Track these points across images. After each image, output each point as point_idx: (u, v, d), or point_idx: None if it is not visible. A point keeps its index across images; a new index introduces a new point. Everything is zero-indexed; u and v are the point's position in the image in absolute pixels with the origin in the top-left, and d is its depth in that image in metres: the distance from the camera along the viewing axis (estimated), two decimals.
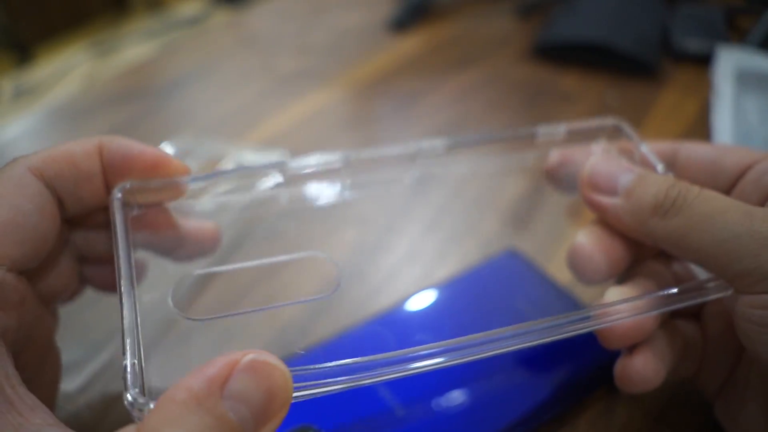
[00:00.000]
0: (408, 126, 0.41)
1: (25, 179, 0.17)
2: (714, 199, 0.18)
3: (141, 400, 0.14)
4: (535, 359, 0.24)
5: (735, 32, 0.53)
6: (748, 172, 0.20)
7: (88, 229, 0.21)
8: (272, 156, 0.36)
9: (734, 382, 0.20)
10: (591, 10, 0.51)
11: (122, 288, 0.17)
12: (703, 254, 0.18)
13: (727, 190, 0.21)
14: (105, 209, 0.19)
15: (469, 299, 0.27)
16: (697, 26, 0.49)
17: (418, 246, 0.32)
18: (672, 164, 0.22)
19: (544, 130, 0.24)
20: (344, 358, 0.24)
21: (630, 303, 0.19)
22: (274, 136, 0.41)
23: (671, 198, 0.18)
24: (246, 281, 0.30)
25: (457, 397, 0.23)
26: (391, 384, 0.23)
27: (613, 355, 0.24)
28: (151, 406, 0.14)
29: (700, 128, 0.40)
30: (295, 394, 0.15)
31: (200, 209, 0.33)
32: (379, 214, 0.34)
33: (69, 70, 0.65)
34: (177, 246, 0.21)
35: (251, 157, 0.36)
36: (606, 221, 0.21)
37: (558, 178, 0.23)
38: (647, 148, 0.22)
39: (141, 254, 0.21)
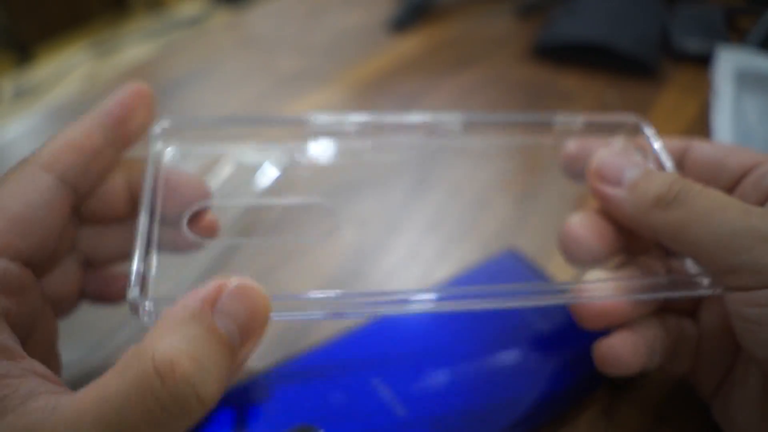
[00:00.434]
0: (408, 126, 0.41)
1: (35, 175, 0.18)
2: (715, 196, 0.19)
3: (143, 300, 0.17)
4: (535, 360, 0.24)
5: (735, 32, 0.53)
6: (749, 173, 0.21)
7: (96, 225, 0.22)
8: (273, 155, 0.36)
9: (732, 382, 0.21)
10: (591, 11, 0.51)
11: (143, 208, 0.19)
12: (700, 247, 0.18)
13: (729, 190, 0.21)
14: (115, 192, 0.21)
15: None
16: (697, 26, 0.49)
17: (418, 246, 0.32)
18: (681, 161, 0.23)
19: (561, 119, 0.24)
20: (344, 360, 0.24)
21: (609, 283, 0.20)
22: (273, 136, 0.41)
23: (674, 192, 0.19)
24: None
25: (457, 397, 0.23)
26: (392, 384, 0.23)
27: None
28: (147, 303, 0.17)
29: (700, 129, 0.40)
30: (274, 316, 0.17)
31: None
32: (379, 214, 0.34)
33: (69, 70, 0.65)
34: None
35: (251, 156, 0.36)
36: (607, 211, 0.22)
37: (572, 167, 0.24)
38: (661, 147, 0.23)
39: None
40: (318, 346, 0.25)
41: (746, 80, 0.42)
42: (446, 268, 0.30)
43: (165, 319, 0.15)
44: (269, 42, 0.54)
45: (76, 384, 0.15)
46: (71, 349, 0.25)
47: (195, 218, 0.22)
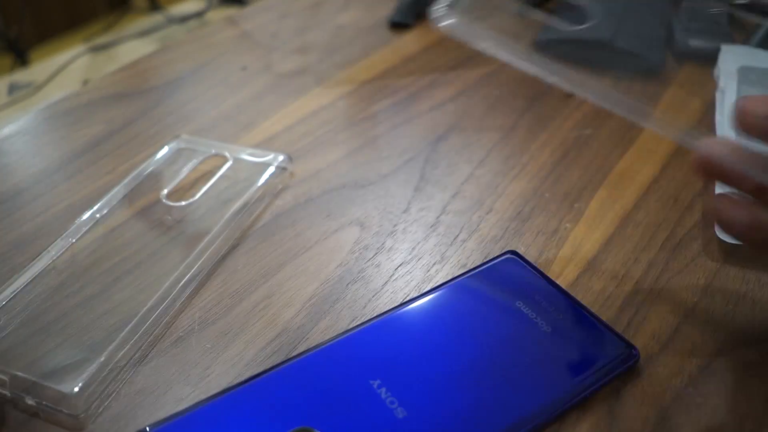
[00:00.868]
0: (408, 124, 0.41)
1: None
2: None
3: None
4: (536, 360, 0.24)
5: (739, 31, 0.52)
6: None
7: None
8: (269, 158, 0.36)
9: None
10: (594, 8, 0.51)
11: None
12: None
13: None
14: None
15: (470, 302, 0.27)
16: (702, 25, 0.49)
17: (418, 248, 0.31)
18: None
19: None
20: (344, 362, 0.24)
21: None
22: (273, 135, 0.40)
23: None
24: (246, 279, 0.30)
25: (457, 398, 0.23)
26: (391, 386, 0.23)
27: (610, 359, 0.24)
28: None
29: (705, 127, 0.40)
30: None
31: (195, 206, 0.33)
32: (379, 215, 0.34)
33: (66, 67, 0.65)
34: None
35: (249, 157, 0.36)
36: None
37: (749, 124, 0.23)
38: None
39: None
40: (317, 348, 0.25)
41: (749, 77, 0.41)
42: (446, 271, 0.30)
43: None
44: (268, 40, 0.53)
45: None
46: (71, 350, 0.25)
47: None
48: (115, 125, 0.42)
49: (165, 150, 0.37)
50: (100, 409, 0.24)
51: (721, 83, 0.41)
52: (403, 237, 0.32)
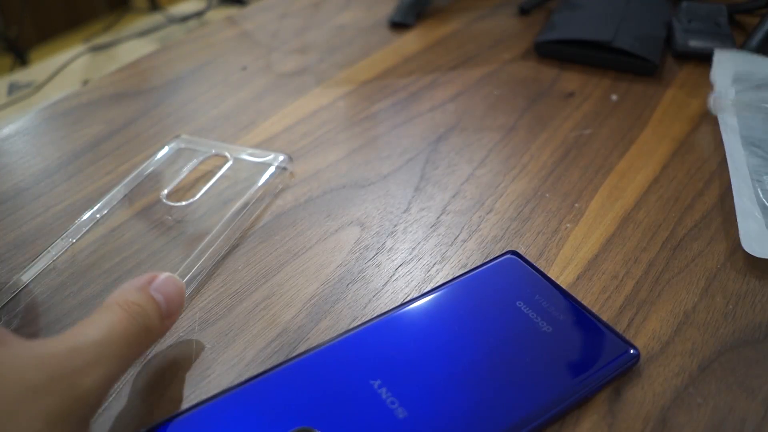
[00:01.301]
0: (408, 124, 0.41)
1: None
2: None
3: None
4: (537, 361, 0.24)
5: (739, 31, 0.52)
6: None
7: None
8: (269, 158, 0.36)
9: None
10: (593, 8, 0.51)
11: None
12: None
13: None
14: None
15: (470, 302, 0.27)
16: (701, 25, 0.49)
17: (418, 248, 0.31)
18: None
19: None
20: (344, 362, 0.24)
21: None
22: (273, 135, 0.40)
23: None
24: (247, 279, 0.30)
25: (457, 399, 0.23)
26: (392, 386, 0.23)
27: (610, 359, 0.24)
28: None
29: (706, 126, 0.40)
30: None
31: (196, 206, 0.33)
32: (379, 215, 0.34)
33: (66, 67, 0.65)
34: None
35: (250, 157, 0.36)
36: None
37: None
38: None
39: None
40: (318, 348, 0.25)
41: (743, 82, 0.41)
42: (447, 271, 0.30)
43: (121, 289, 0.23)
44: (268, 40, 0.53)
45: None
46: None
47: None
48: (115, 125, 0.42)
49: (165, 150, 0.37)
50: (101, 410, 0.24)
51: (717, 87, 0.41)
52: (403, 237, 0.32)
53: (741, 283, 0.29)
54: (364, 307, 0.28)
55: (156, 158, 0.36)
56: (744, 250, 0.30)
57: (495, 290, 0.27)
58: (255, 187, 0.34)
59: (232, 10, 0.73)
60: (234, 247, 0.31)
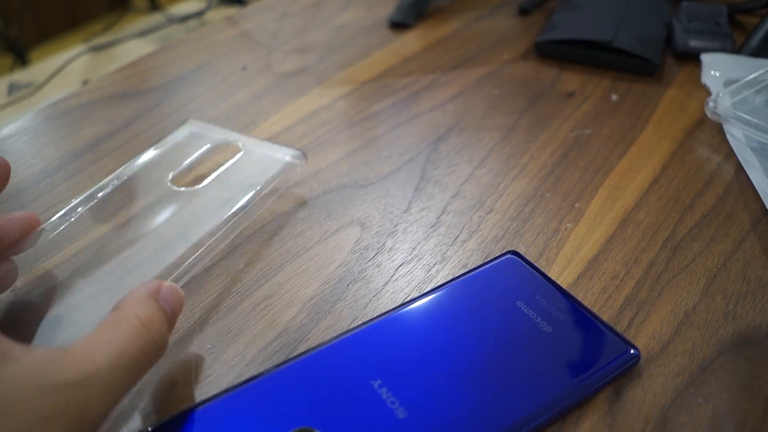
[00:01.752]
0: (408, 124, 0.41)
1: None
2: None
3: None
4: (537, 361, 0.24)
5: (739, 31, 0.53)
6: None
7: None
8: (282, 152, 0.34)
9: None
10: (593, 8, 0.51)
11: None
12: None
13: None
14: None
15: (470, 302, 0.27)
16: (701, 25, 0.49)
17: (419, 248, 0.31)
18: None
19: None
20: (345, 362, 0.24)
21: None
22: (273, 135, 0.40)
23: None
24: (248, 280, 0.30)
25: (457, 398, 0.23)
26: (392, 386, 0.23)
27: (610, 358, 0.24)
28: None
29: (706, 126, 0.40)
30: None
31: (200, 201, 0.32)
32: (379, 215, 0.34)
33: (66, 67, 0.65)
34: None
35: (262, 150, 0.35)
36: None
37: None
38: None
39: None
40: (318, 348, 0.25)
41: (742, 92, 0.41)
42: (447, 271, 0.30)
43: (131, 297, 0.22)
44: (268, 40, 0.53)
45: None
46: None
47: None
48: (115, 125, 0.42)
49: (181, 130, 0.36)
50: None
51: (711, 89, 0.41)
52: (403, 237, 0.32)
53: (741, 283, 0.29)
54: (365, 307, 0.28)
55: (167, 140, 0.35)
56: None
57: (495, 290, 0.27)
58: (266, 178, 0.32)
59: (232, 10, 0.73)
60: (234, 247, 0.31)
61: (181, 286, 0.28)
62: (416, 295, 0.28)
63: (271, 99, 0.44)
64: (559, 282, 0.28)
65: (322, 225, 0.33)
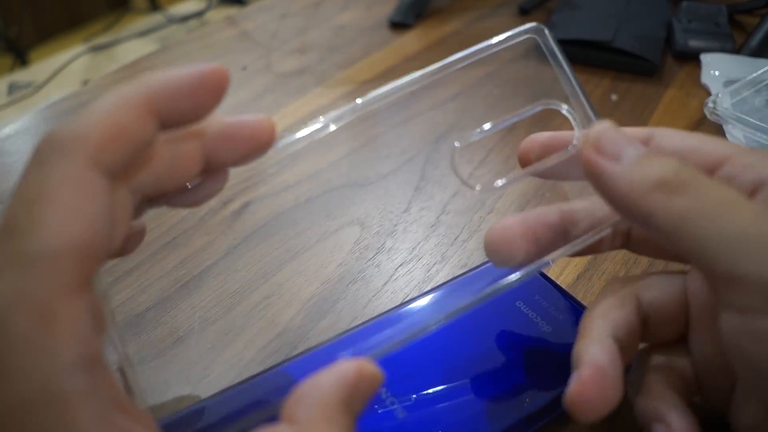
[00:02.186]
0: (408, 123, 0.41)
1: (87, 179, 0.14)
2: (728, 192, 0.17)
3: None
4: (536, 361, 0.24)
5: (739, 31, 0.52)
6: (723, 165, 0.19)
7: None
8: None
9: (737, 400, 0.20)
10: (593, 8, 0.51)
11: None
12: (701, 245, 0.16)
13: None
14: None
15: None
16: (701, 25, 0.49)
17: (418, 248, 0.31)
18: None
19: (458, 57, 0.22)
20: (344, 361, 0.24)
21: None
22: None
23: (681, 177, 0.17)
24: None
25: (457, 399, 0.23)
26: (392, 386, 0.23)
27: None
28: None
29: (706, 126, 0.40)
30: None
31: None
32: (379, 215, 0.34)
33: (66, 67, 0.65)
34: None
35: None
36: (596, 189, 0.19)
37: (526, 158, 0.25)
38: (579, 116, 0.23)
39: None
40: (317, 348, 0.25)
41: (741, 92, 0.41)
42: (447, 271, 0.30)
43: (319, 407, 0.16)
44: (268, 40, 0.53)
45: None
46: None
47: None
48: None
49: None
50: None
51: (710, 89, 0.41)
52: (403, 237, 0.32)
53: None
54: (364, 307, 0.28)
55: None
56: None
57: None
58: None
59: (232, 10, 0.73)
60: (234, 247, 0.31)
61: (183, 287, 0.28)
62: (416, 295, 0.28)
63: (271, 99, 0.44)
64: (558, 282, 0.28)
65: (322, 225, 0.33)
